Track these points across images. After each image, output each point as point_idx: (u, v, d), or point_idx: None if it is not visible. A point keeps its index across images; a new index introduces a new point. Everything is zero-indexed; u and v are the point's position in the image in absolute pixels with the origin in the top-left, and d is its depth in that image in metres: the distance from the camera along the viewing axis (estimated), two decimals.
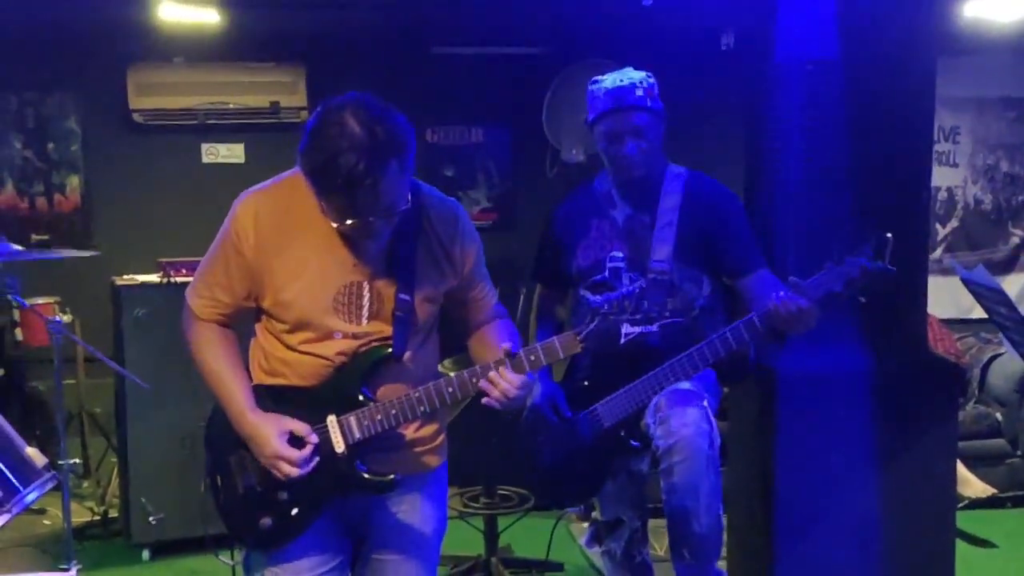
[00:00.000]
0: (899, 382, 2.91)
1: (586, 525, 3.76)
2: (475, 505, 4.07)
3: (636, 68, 2.75)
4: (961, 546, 4.20)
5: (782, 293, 2.43)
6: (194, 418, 3.98)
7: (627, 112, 2.66)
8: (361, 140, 1.84)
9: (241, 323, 2.20)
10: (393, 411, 2.06)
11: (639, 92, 2.67)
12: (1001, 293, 2.71)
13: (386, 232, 2.03)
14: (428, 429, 2.20)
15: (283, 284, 2.06)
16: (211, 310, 2.16)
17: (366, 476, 2.09)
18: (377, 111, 1.90)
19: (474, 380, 2.06)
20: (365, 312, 2.07)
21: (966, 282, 2.76)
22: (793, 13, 2.89)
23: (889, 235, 2.33)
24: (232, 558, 2.10)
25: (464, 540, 4.03)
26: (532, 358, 2.05)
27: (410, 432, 2.16)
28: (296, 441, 2.06)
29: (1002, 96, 5.74)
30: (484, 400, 2.06)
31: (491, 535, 3.99)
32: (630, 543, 2.87)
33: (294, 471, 2.04)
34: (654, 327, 2.04)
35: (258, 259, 2.06)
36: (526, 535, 4.07)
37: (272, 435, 2.05)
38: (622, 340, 2.05)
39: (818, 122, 2.88)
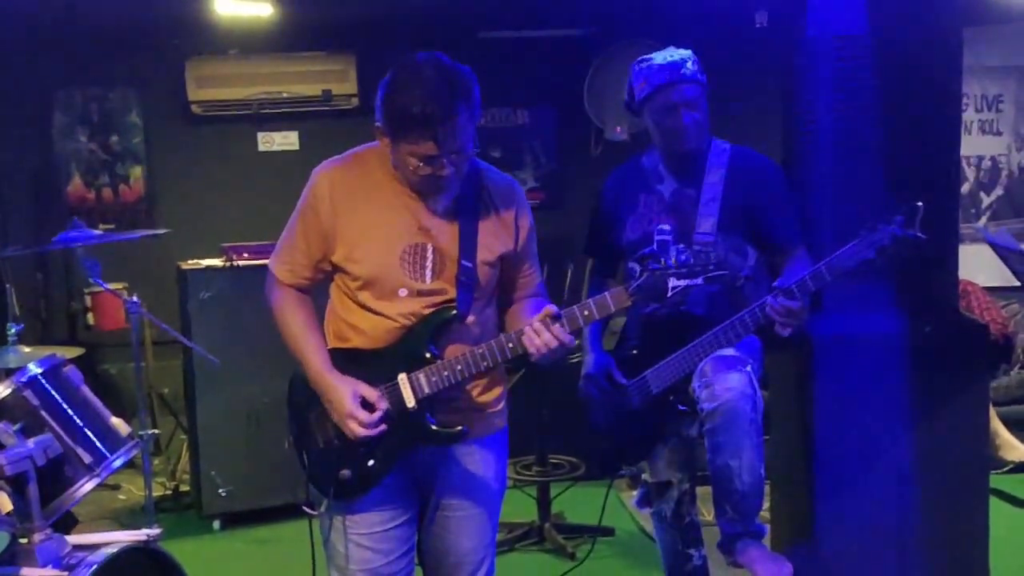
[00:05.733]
0: (930, 344, 3.00)
1: (635, 492, 3.88)
2: (528, 473, 4.23)
3: (676, 47, 2.86)
4: (1003, 507, 4.31)
5: (768, 298, 2.56)
6: (259, 395, 4.22)
7: (681, 85, 2.76)
8: (435, 83, 2.06)
9: (318, 290, 2.38)
10: (459, 366, 2.21)
11: (690, 66, 2.78)
12: (1020, 252, 2.78)
13: (453, 187, 2.19)
14: (491, 394, 2.36)
15: (355, 241, 2.24)
16: (291, 274, 2.33)
17: (435, 428, 2.25)
18: (447, 61, 2.13)
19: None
20: (429, 271, 2.24)
21: (992, 245, 2.84)
22: None
23: (920, 204, 2.42)
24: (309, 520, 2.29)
25: (518, 507, 4.18)
26: (585, 313, 2.19)
27: (475, 393, 2.32)
28: (368, 405, 2.23)
29: None
30: (529, 347, 2.14)
31: (544, 502, 4.15)
32: (679, 504, 2.97)
33: (362, 431, 2.21)
34: (699, 280, 2.15)
35: (333, 219, 2.24)
36: (577, 502, 4.22)
37: (346, 396, 2.23)
38: (669, 293, 2.17)
39: (849, 95, 2.97)
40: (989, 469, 3.23)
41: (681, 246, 2.81)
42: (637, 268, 2.91)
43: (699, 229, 2.81)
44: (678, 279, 2.16)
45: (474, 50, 5.44)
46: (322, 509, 2.36)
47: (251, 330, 4.07)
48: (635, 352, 2.90)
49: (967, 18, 5.08)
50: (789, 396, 3.31)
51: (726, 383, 2.61)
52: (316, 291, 2.39)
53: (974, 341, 3.15)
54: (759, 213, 2.82)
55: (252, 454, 4.31)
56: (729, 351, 2.68)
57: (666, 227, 2.86)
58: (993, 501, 4.30)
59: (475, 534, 2.39)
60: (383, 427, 2.23)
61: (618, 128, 5.28)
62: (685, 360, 2.73)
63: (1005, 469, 4.60)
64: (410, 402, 2.23)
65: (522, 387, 4.09)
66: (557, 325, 2.15)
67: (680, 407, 2.75)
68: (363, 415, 2.21)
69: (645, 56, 2.86)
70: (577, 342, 3.06)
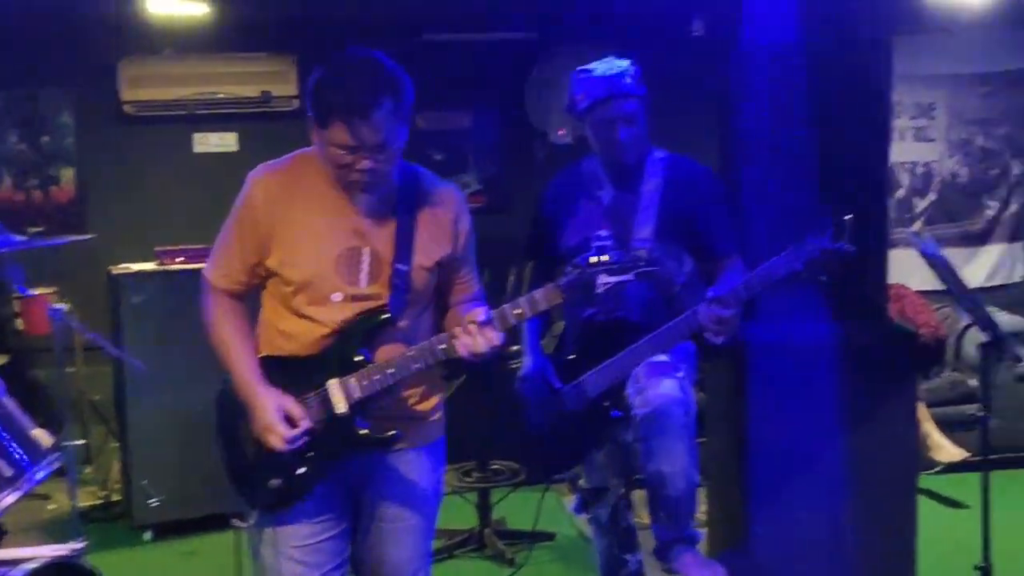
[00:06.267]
0: (861, 351, 3.06)
1: (574, 497, 3.89)
2: (468, 480, 4.21)
3: (614, 53, 2.88)
4: (935, 507, 4.40)
5: (699, 307, 2.60)
6: (192, 402, 4.11)
7: (619, 100, 2.78)
8: (361, 74, 2.09)
9: (250, 297, 2.35)
10: (391, 369, 2.19)
11: (628, 80, 2.79)
12: (947, 263, 2.86)
13: (377, 185, 2.17)
14: (427, 403, 2.35)
15: (290, 245, 2.21)
16: (226, 279, 2.30)
17: (366, 433, 2.22)
18: (379, 57, 2.14)
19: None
20: (364, 276, 2.22)
21: (922, 254, 2.90)
22: None
23: (849, 217, 2.46)
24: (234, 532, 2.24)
25: (458, 514, 4.17)
26: (516, 311, 2.18)
27: (411, 402, 2.30)
28: (291, 420, 2.19)
29: (975, 72, 5.85)
30: (456, 345, 2.14)
31: (484, 508, 4.14)
32: (616, 509, 2.97)
33: (281, 445, 2.18)
34: (630, 276, 2.16)
35: (268, 223, 2.22)
36: (519, 507, 4.21)
37: (269, 407, 2.19)
38: (599, 289, 2.18)
39: (782, 105, 3.02)
40: (917, 472, 3.30)
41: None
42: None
43: (637, 236, 2.83)
44: (609, 275, 2.16)
45: (418, 52, 5.43)
46: (251, 521, 2.32)
47: (185, 336, 3.96)
48: (572, 357, 2.90)
49: (900, 27, 5.22)
50: (724, 402, 3.35)
51: (659, 389, 2.64)
52: (251, 300, 2.35)
53: (903, 347, 3.22)
54: (695, 221, 2.84)
55: (185, 463, 4.22)
56: (663, 357, 2.71)
57: (604, 233, 2.86)
58: (925, 502, 4.42)
59: (410, 544, 2.37)
60: (303, 442, 2.19)
61: (561, 131, 5.30)
62: (620, 366, 2.74)
63: (936, 470, 4.70)
64: (340, 407, 2.20)
65: (463, 393, 4.08)
66: (488, 325, 2.14)
67: (615, 413, 2.76)
68: (283, 429, 2.18)
69: (585, 66, 2.87)
70: (516, 348, 3.09)
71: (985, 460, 3.10)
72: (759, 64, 3.07)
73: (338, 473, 2.27)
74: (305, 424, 2.20)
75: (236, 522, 2.30)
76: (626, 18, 4.57)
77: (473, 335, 2.13)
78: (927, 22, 5.25)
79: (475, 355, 2.15)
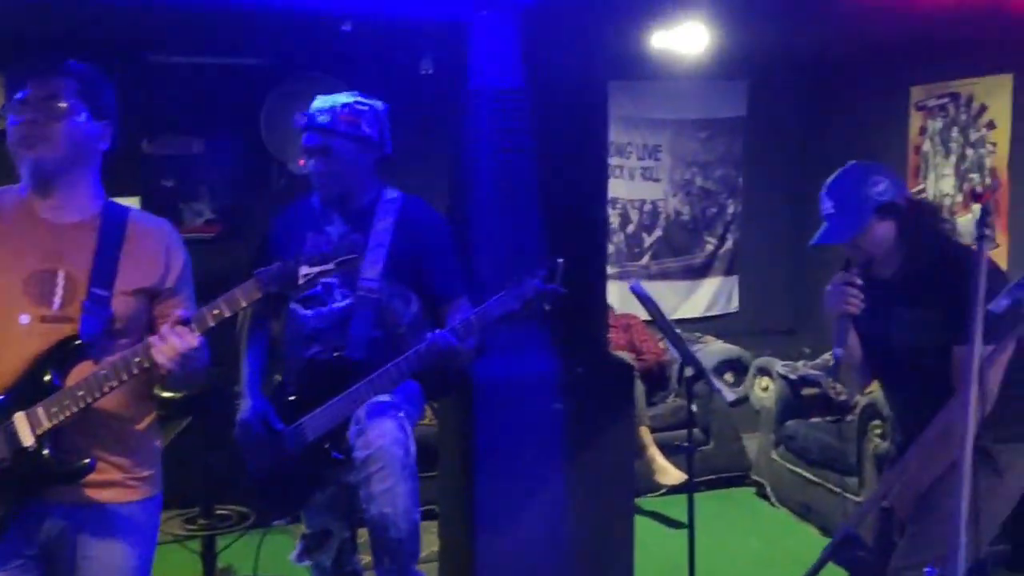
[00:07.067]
0: (581, 382, 3.20)
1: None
2: (192, 527, 3.99)
3: (345, 84, 2.87)
4: (658, 527, 4.66)
5: (439, 333, 2.66)
6: None
7: (314, 132, 2.82)
8: (52, 55, 2.13)
9: None
10: (80, 392, 2.04)
11: (325, 118, 2.80)
12: (654, 303, 3.07)
13: (41, 146, 2.09)
14: (136, 427, 2.20)
15: None
16: None
17: (58, 461, 2.06)
18: (86, 63, 2.19)
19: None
20: (57, 299, 2.09)
21: (632, 293, 3.09)
22: (482, 42, 3.10)
23: (561, 260, 2.61)
24: None
25: (181, 565, 3.94)
26: (215, 312, 2.08)
27: (112, 426, 2.15)
28: None
29: (696, 118, 6.33)
30: (156, 357, 2.03)
31: (208, 557, 3.93)
32: (340, 553, 2.94)
33: None
34: (330, 265, 2.15)
35: None
36: (249, 553, 4.03)
37: None
38: (301, 280, 2.14)
39: (507, 146, 3.11)
40: (635, 494, 3.47)
41: (346, 290, 2.81)
42: (300, 310, 2.88)
43: (364, 275, 2.81)
44: (310, 266, 2.13)
45: (144, 74, 5.17)
46: None
47: None
48: (293, 398, 2.83)
49: (623, 74, 5.57)
50: (454, 436, 3.38)
51: (379, 430, 2.62)
52: None
53: (621, 377, 3.39)
54: (424, 264, 2.87)
55: None
56: (385, 397, 2.69)
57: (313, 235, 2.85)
58: (650, 523, 4.70)
59: None
60: None
61: (302, 161, 5.17)
62: (342, 407, 2.71)
63: (661, 492, 4.98)
64: (27, 440, 2.03)
65: (186, 436, 3.88)
66: (185, 328, 2.04)
67: (335, 455, 2.72)
68: None
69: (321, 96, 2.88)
70: (237, 388, 2.97)
71: (692, 483, 3.31)
72: (485, 105, 3.14)
73: (33, 531, 2.09)
74: None
75: None
76: (360, 51, 4.56)
77: (167, 337, 2.03)
78: (651, 70, 5.62)
79: (176, 362, 2.03)
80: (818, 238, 2.53)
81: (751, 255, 6.50)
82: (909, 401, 2.62)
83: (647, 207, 6.35)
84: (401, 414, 2.68)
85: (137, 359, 2.05)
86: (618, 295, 5.58)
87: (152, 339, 2.05)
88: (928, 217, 2.58)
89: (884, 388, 2.79)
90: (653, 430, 5.13)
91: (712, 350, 5.75)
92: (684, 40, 4.87)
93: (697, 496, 3.37)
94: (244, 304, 2.12)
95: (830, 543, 2.25)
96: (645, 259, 6.37)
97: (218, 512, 3.97)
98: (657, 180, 6.35)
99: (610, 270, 6.07)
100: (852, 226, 2.47)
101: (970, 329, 1.83)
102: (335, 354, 2.78)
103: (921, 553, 2.38)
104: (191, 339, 2.04)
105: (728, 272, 6.52)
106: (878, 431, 4.31)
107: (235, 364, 3.00)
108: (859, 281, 2.47)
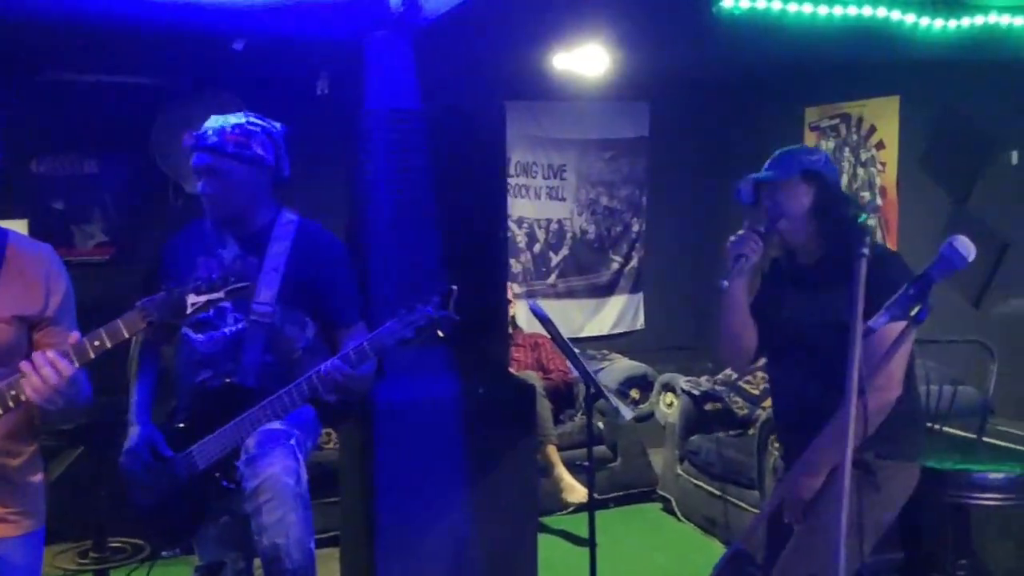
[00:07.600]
0: (482, 403, 3.18)
1: None
2: (84, 561, 3.85)
3: (241, 103, 2.81)
4: (566, 546, 4.67)
5: (331, 361, 2.61)
6: None
7: (201, 152, 2.75)
8: None
9: None
10: None
11: (214, 138, 2.74)
12: (552, 323, 3.09)
13: None
14: (13, 462, 2.10)
15: None
16: None
17: None
18: None
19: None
20: None
21: (532, 313, 3.10)
22: (378, 62, 3.08)
23: (454, 287, 2.58)
24: None
25: None
26: (95, 343, 2.01)
27: None
28: None
29: (600, 138, 6.41)
30: (27, 390, 1.95)
31: None
32: None
33: None
34: (220, 293, 2.10)
35: None
36: None
37: None
38: (188, 309, 2.08)
39: (405, 168, 3.09)
40: (540, 516, 3.46)
41: (239, 315, 2.74)
42: (192, 334, 2.80)
43: (258, 299, 2.74)
44: (198, 295, 2.07)
45: (33, 92, 5.00)
46: None
47: None
48: (183, 425, 2.75)
49: (525, 94, 5.61)
50: (356, 460, 3.33)
51: (269, 459, 2.56)
52: None
53: (523, 397, 3.39)
54: (320, 289, 2.82)
55: None
56: (276, 424, 2.63)
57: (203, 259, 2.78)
58: (557, 541, 4.70)
59: None
60: None
61: (200, 183, 5.06)
62: (232, 434, 2.63)
63: (568, 510, 4.99)
64: None
65: (80, 466, 3.75)
66: (61, 359, 1.95)
67: (225, 484, 2.64)
68: None
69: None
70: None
71: (594, 500, 3.32)
72: (382, 125, 3.12)
73: None
74: None
75: None
76: (256, 71, 4.49)
77: (40, 368, 1.93)
78: (554, 91, 5.68)
79: (44, 394, 1.93)
80: (743, 180, 2.68)
81: (655, 273, 6.60)
82: (793, 381, 2.70)
83: (553, 226, 6.40)
84: (292, 441, 2.62)
85: (13, 392, 1.97)
86: (525, 314, 5.60)
87: (23, 366, 1.96)
88: (843, 202, 2.72)
89: (772, 367, 2.85)
90: (561, 448, 5.14)
91: (618, 367, 5.81)
92: (585, 62, 4.94)
93: (605, 513, 3.39)
94: (127, 335, 2.05)
95: (720, 559, 2.27)
96: (552, 278, 6.41)
97: (112, 544, 3.84)
98: (563, 199, 6.40)
99: (517, 289, 6.12)
100: (777, 176, 2.64)
101: (851, 340, 1.88)
102: (226, 380, 2.72)
103: (804, 563, 2.43)
104: (65, 371, 1.95)
105: (633, 290, 6.61)
106: (777, 445, 4.39)
107: (127, 393, 2.91)
108: (763, 229, 2.65)
